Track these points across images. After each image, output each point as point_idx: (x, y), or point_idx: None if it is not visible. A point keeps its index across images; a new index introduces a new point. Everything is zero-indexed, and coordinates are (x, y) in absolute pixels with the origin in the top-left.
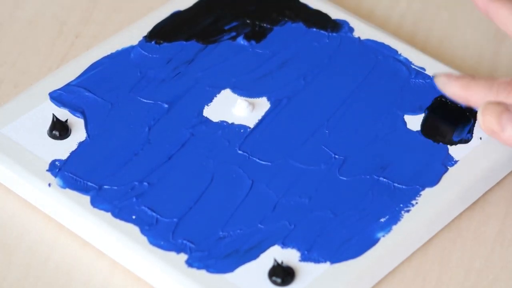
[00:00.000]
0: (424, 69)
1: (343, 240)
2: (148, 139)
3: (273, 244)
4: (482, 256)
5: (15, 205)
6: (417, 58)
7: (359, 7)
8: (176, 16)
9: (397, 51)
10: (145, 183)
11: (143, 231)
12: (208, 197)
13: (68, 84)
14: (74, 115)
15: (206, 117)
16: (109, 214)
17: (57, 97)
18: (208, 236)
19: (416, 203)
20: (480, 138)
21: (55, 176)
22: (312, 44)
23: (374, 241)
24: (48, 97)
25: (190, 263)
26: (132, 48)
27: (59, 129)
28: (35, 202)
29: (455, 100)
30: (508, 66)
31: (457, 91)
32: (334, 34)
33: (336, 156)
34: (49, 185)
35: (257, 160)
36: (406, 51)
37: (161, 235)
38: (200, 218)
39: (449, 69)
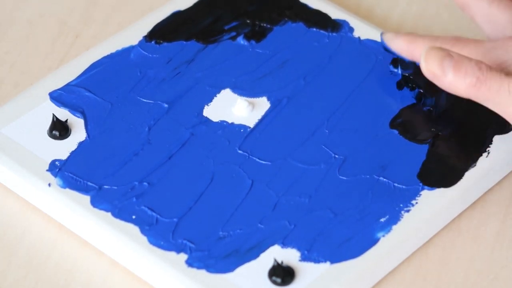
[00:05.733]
0: None
1: (343, 240)
2: (148, 139)
3: (273, 244)
4: (482, 256)
5: (15, 205)
6: None
7: (359, 7)
8: (176, 16)
9: None
10: (145, 183)
11: (143, 231)
12: (208, 197)
13: (68, 84)
14: (74, 115)
15: (206, 117)
16: (109, 214)
17: (57, 97)
18: (208, 236)
19: (416, 203)
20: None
21: (55, 176)
22: (312, 44)
23: (374, 241)
24: (48, 97)
25: (190, 263)
26: (132, 48)
27: (59, 129)
28: (35, 202)
29: (400, 54)
30: None
31: (402, 45)
32: (334, 34)
33: (336, 156)
34: (49, 185)
35: (257, 160)
36: None
37: (161, 235)
38: (200, 218)
39: None
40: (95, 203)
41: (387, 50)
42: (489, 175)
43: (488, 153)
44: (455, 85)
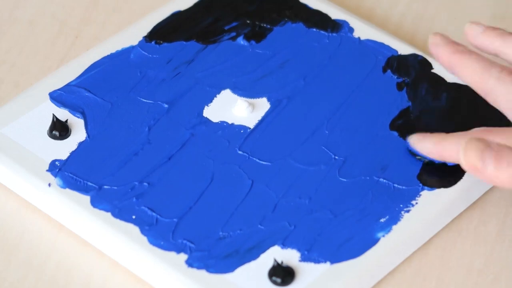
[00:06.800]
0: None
1: (343, 240)
2: (148, 139)
3: (273, 245)
4: (482, 256)
5: (15, 205)
6: None
7: (359, 7)
8: (176, 16)
9: (397, 51)
10: (145, 183)
11: (143, 231)
12: (208, 197)
13: (68, 84)
14: (74, 115)
15: (206, 117)
16: (109, 214)
17: (57, 97)
18: (208, 236)
19: (416, 203)
20: None
21: (55, 176)
22: (312, 44)
23: (374, 241)
24: (48, 97)
25: (190, 263)
26: (132, 48)
27: (59, 129)
28: (35, 202)
29: (428, 157)
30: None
31: (430, 146)
32: (334, 34)
33: (336, 157)
34: (49, 185)
35: (257, 160)
36: (406, 51)
37: (161, 235)
38: (200, 218)
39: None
40: (95, 203)
41: (413, 153)
42: None
43: None
44: (497, 176)
